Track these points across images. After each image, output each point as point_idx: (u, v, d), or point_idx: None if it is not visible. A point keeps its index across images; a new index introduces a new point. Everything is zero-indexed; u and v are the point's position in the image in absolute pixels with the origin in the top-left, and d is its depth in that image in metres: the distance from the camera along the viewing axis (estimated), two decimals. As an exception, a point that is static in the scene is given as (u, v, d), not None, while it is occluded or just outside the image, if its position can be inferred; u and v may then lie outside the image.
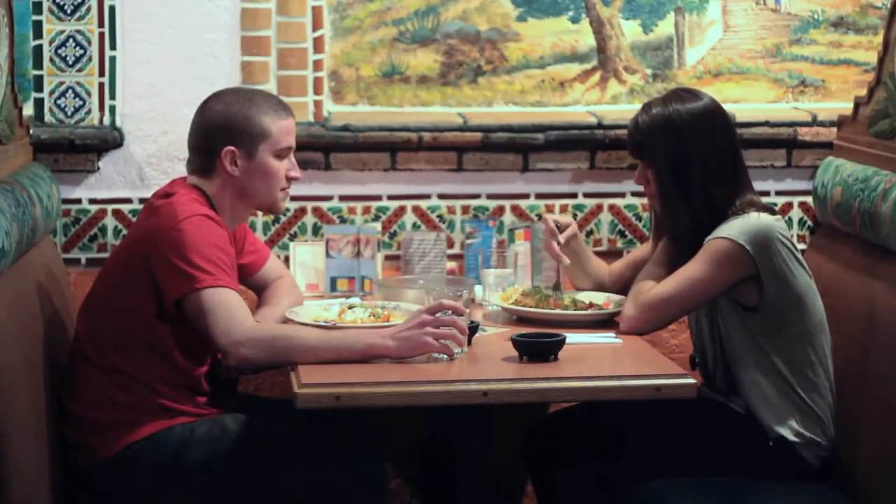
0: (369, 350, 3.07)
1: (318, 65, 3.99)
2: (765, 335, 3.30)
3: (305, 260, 3.90)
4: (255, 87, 3.41)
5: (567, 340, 3.15)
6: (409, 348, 3.05)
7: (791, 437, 3.29)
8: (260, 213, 3.94)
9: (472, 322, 3.22)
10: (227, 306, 3.10)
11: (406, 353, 3.06)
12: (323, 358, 3.06)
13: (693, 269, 3.29)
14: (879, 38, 3.77)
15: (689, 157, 3.35)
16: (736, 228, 3.28)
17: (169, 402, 3.20)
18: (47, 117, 3.88)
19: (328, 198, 4.00)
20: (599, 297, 3.61)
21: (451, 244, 4.00)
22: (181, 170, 3.83)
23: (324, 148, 3.95)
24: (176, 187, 3.30)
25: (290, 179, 3.34)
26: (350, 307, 3.42)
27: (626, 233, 4.09)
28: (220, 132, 3.27)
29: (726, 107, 4.08)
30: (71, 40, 3.86)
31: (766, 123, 4.02)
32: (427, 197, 4.03)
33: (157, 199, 3.28)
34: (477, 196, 4.04)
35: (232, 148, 3.26)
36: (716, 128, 3.38)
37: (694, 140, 3.35)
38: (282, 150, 3.31)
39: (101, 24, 3.86)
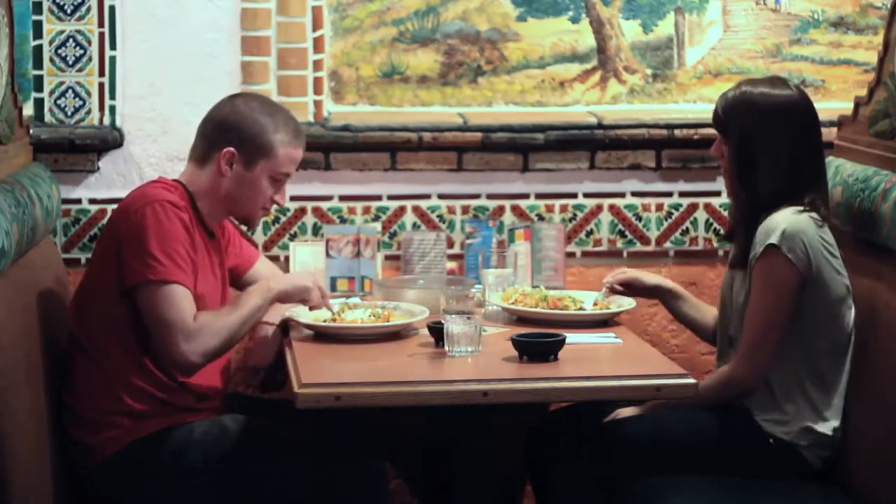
0: (268, 296, 3.25)
1: (318, 65, 4.00)
2: (787, 340, 3.29)
3: (305, 260, 3.90)
4: (284, 106, 3.42)
5: (567, 340, 3.15)
6: (294, 282, 3.34)
7: (794, 440, 3.28)
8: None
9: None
10: (177, 306, 3.11)
11: (287, 288, 3.32)
12: (252, 324, 3.24)
13: (759, 302, 3.29)
14: (879, 38, 3.77)
15: (760, 144, 3.34)
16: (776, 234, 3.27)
17: (161, 391, 3.20)
18: (47, 117, 3.88)
19: (328, 198, 4.00)
20: (600, 298, 3.60)
21: (451, 244, 4.01)
22: (181, 170, 3.82)
23: (324, 148, 3.95)
24: (153, 179, 3.32)
25: (273, 202, 3.35)
26: (350, 307, 3.42)
27: (626, 233, 4.08)
28: (232, 130, 3.27)
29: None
30: (71, 40, 3.86)
31: (767, 123, 4.02)
32: (427, 197, 4.03)
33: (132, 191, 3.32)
34: (477, 196, 4.04)
35: (233, 150, 3.26)
36: (794, 123, 3.36)
37: (768, 128, 3.34)
38: (279, 175, 3.31)
39: (101, 24, 3.87)
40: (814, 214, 3.31)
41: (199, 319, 3.13)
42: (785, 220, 3.26)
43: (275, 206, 3.37)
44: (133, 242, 3.13)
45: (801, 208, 3.30)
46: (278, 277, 3.43)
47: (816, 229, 3.29)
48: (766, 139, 3.34)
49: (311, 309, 3.41)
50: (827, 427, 3.32)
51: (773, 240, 3.24)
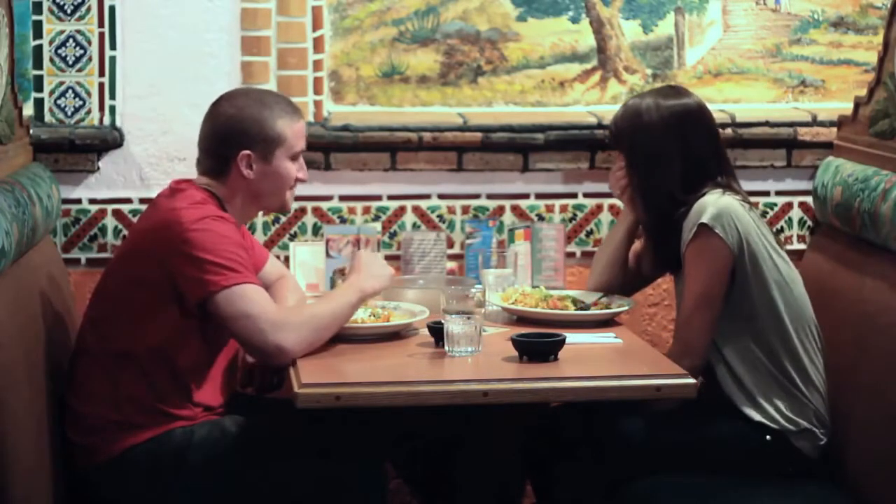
0: (363, 295, 3.27)
1: (318, 65, 3.99)
2: (735, 320, 3.31)
3: (305, 260, 3.90)
4: (265, 88, 3.42)
5: (567, 340, 3.15)
6: (387, 277, 3.35)
7: (786, 433, 3.29)
8: (260, 213, 3.94)
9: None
10: (257, 301, 3.12)
11: (385, 284, 3.35)
12: (343, 321, 3.23)
13: (692, 282, 3.32)
14: (879, 38, 3.78)
15: (652, 153, 3.42)
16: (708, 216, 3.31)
17: (168, 405, 3.20)
18: (47, 117, 3.88)
19: (328, 198, 4.00)
20: (600, 298, 3.61)
21: (451, 244, 4.01)
22: (181, 170, 3.84)
23: (324, 148, 3.95)
24: (184, 185, 3.29)
25: (297, 181, 3.36)
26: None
27: (626, 233, 4.08)
28: (235, 136, 3.27)
29: (726, 107, 4.10)
30: (71, 40, 3.86)
31: (766, 123, 4.03)
32: (427, 197, 4.03)
33: (162, 199, 3.28)
34: (477, 196, 4.04)
35: (248, 152, 3.26)
36: (684, 129, 3.41)
37: (659, 137, 3.41)
38: (296, 154, 3.33)
39: (101, 24, 3.87)
40: (738, 197, 3.35)
41: (283, 309, 3.21)
42: (712, 202, 3.32)
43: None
44: (194, 260, 3.11)
45: (722, 191, 3.35)
46: (365, 275, 3.32)
47: (745, 209, 3.34)
48: (658, 148, 3.41)
49: None
50: (820, 415, 3.33)
51: (704, 219, 3.30)
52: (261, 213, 3.93)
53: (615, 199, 4.05)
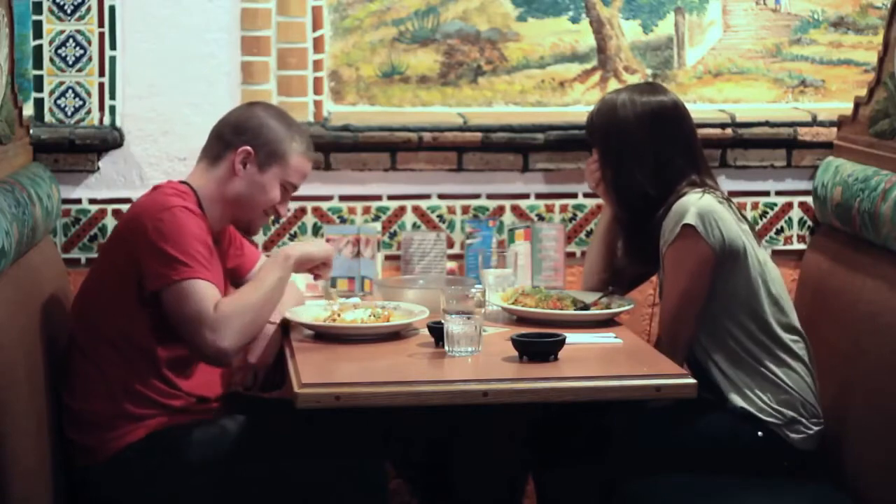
0: (287, 263, 3.32)
1: (318, 65, 4.00)
2: (716, 316, 3.33)
3: (305, 260, 3.89)
4: (301, 122, 3.48)
5: (567, 340, 3.15)
6: (318, 244, 3.51)
7: (761, 415, 3.29)
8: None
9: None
10: (200, 300, 3.13)
11: (309, 250, 3.42)
12: (278, 298, 3.29)
13: (674, 283, 3.32)
14: (879, 38, 3.78)
15: (625, 148, 3.42)
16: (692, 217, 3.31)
17: (160, 395, 3.21)
18: (47, 117, 3.88)
19: (328, 198, 4.00)
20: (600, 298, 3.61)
21: (451, 244, 4.01)
22: (181, 170, 3.83)
23: (324, 148, 3.95)
24: (163, 184, 3.34)
25: (275, 211, 3.38)
26: (352, 307, 3.43)
27: (626, 233, 4.08)
28: (249, 131, 3.32)
29: (726, 107, 4.10)
30: (71, 40, 3.86)
31: (766, 123, 4.03)
32: (427, 197, 4.03)
33: (143, 196, 3.33)
34: (477, 196, 4.04)
35: (250, 149, 3.29)
36: (658, 126, 3.41)
37: (632, 133, 3.41)
38: (287, 184, 3.36)
39: (101, 24, 3.87)
40: (716, 194, 3.37)
41: (219, 307, 3.15)
42: (694, 203, 3.33)
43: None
44: (154, 248, 3.14)
45: (702, 191, 3.36)
46: (293, 245, 3.45)
47: (725, 207, 3.34)
48: (630, 144, 3.42)
49: (316, 278, 3.49)
50: (807, 405, 3.33)
51: (689, 220, 3.30)
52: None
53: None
